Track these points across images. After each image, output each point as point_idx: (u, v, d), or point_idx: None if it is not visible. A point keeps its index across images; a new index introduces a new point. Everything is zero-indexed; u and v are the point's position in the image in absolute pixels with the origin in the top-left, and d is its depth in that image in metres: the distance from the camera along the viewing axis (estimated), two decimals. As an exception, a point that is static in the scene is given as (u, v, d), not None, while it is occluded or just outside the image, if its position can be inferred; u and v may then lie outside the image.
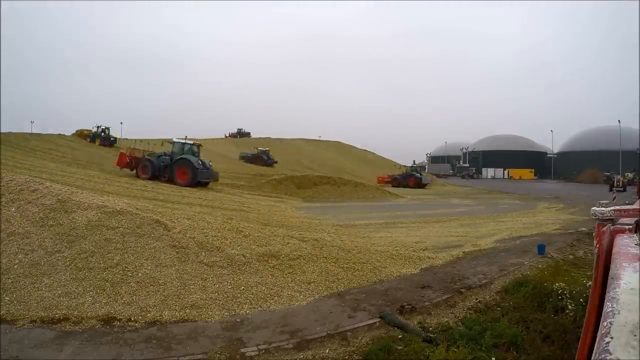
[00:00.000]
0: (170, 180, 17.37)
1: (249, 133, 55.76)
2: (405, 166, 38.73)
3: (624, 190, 29.89)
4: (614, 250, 1.18)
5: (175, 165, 17.68)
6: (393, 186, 31.27)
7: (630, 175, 45.24)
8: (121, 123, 54.31)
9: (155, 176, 17.75)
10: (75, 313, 4.52)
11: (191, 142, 19.27)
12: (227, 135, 56.05)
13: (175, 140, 19.09)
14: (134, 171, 18.44)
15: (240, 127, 56.67)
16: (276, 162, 37.82)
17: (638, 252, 1.08)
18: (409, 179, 33.73)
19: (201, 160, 18.28)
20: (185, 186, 16.77)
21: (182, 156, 17.83)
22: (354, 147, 57.50)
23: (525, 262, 7.24)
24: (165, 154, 18.50)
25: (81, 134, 35.18)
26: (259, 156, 38.24)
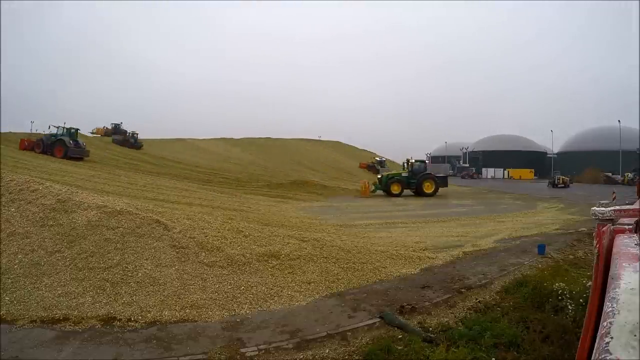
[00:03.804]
0: (52, 155, 22.46)
1: (127, 132, 43.77)
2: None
3: (567, 187, 36.89)
4: (614, 250, 1.18)
5: (55, 145, 23.27)
6: None
7: (630, 175, 45.23)
8: (121, 123, 54.12)
9: (45, 152, 22.92)
10: (75, 313, 4.52)
11: (68, 127, 25.00)
12: (96, 129, 44.21)
13: (51, 126, 25.22)
14: (33, 150, 23.11)
15: (116, 122, 43.03)
16: (142, 146, 36.27)
17: (638, 252, 1.08)
18: None
19: (76, 141, 24.06)
20: (62, 158, 22.00)
21: (59, 137, 23.78)
22: (355, 147, 57.49)
23: (525, 262, 7.24)
24: (52, 136, 24.08)
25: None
26: (127, 140, 36.47)
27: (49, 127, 25.32)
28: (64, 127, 24.78)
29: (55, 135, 24.09)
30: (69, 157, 22.51)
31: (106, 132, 43.35)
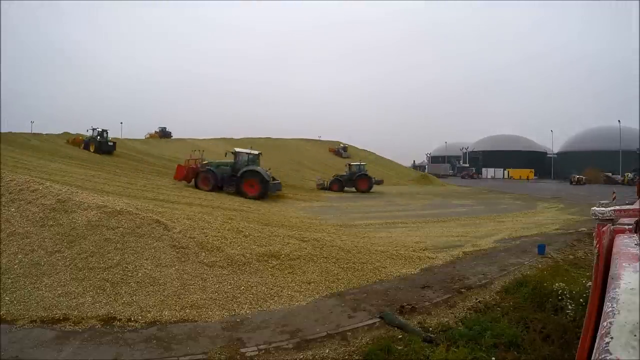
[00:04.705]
0: (238, 193, 17.15)
1: (171, 133, 52.09)
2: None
3: (583, 184, 41.62)
4: (614, 250, 1.18)
5: (244, 178, 17.35)
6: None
7: (630, 175, 45.23)
8: (121, 123, 54.16)
9: (218, 187, 17.36)
10: (75, 313, 4.52)
11: (256, 152, 19.00)
12: (149, 135, 50.98)
13: (237, 150, 19.01)
14: (192, 182, 18.01)
15: (163, 126, 52.84)
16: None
17: (638, 252, 1.08)
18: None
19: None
20: (254, 199, 16.68)
21: (250, 168, 17.65)
22: (355, 147, 57.44)
23: (525, 262, 7.24)
24: (226, 164, 18.23)
25: (74, 141, 28.79)
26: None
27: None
28: (248, 153, 20.60)
29: (227, 164, 18.81)
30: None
31: (159, 136, 49.43)
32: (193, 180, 18.00)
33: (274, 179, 18.36)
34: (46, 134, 33.97)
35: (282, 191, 20.40)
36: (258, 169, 17.73)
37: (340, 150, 53.12)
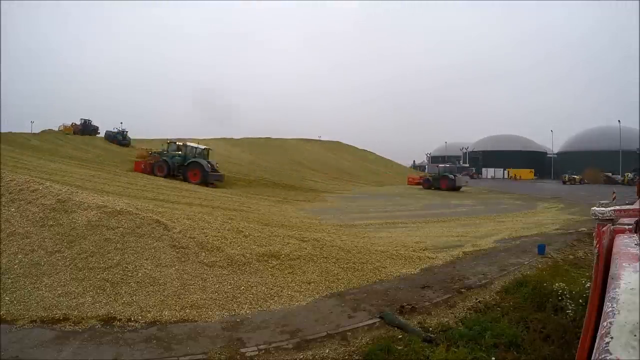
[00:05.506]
0: (184, 180, 20.11)
1: (97, 128, 40.39)
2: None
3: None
4: (614, 250, 1.18)
5: (189, 167, 20.48)
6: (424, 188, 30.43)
7: (630, 175, 45.22)
8: (121, 123, 53.99)
9: (171, 174, 20.62)
10: (75, 313, 4.51)
11: (202, 146, 22.09)
12: (63, 127, 38.86)
13: (188, 144, 22.21)
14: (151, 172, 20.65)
15: (87, 118, 39.93)
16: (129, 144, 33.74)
17: (638, 252, 1.08)
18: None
19: (210, 162, 21.67)
20: (197, 184, 19.52)
21: (194, 159, 20.87)
22: (355, 147, 57.49)
23: (525, 262, 7.24)
24: (179, 156, 21.36)
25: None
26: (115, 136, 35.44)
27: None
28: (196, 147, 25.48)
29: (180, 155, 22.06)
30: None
31: (75, 130, 38.18)
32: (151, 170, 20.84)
33: (216, 170, 21.61)
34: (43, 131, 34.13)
35: (282, 191, 20.72)
36: (200, 160, 20.89)
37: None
